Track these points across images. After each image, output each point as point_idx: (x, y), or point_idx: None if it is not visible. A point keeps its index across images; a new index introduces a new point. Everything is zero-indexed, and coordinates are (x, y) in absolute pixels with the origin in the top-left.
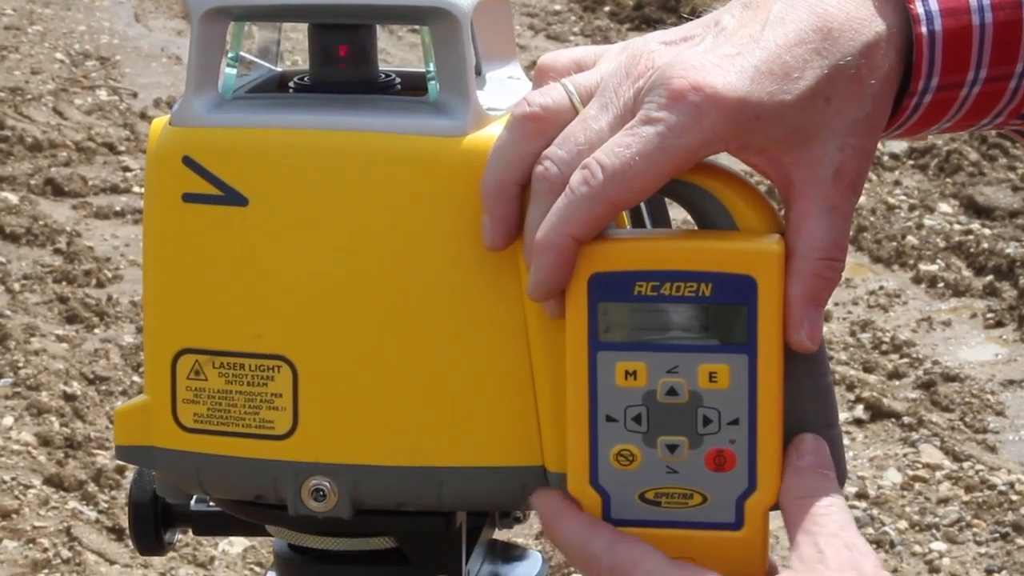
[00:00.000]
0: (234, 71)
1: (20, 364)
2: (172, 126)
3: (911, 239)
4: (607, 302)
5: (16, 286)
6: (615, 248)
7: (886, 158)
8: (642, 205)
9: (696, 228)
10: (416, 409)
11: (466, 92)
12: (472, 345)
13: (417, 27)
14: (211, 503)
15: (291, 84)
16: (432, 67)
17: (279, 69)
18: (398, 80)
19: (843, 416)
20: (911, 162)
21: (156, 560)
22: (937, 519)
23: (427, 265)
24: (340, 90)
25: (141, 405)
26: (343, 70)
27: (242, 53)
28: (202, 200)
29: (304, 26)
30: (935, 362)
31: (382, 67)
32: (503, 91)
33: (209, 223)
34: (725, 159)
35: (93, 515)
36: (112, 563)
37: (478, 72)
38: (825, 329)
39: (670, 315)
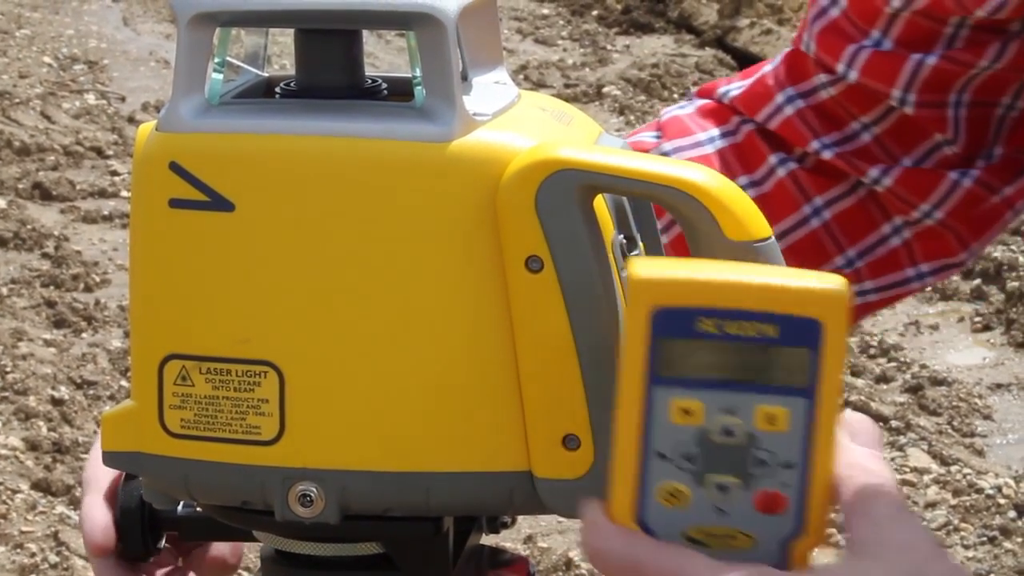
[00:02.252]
0: (220, 76)
1: (8, 369)
2: (159, 132)
3: None
4: (668, 338)
5: (4, 290)
6: (680, 283)
7: None
8: (628, 211)
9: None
10: (402, 414)
11: (452, 97)
12: (458, 350)
13: (403, 32)
14: (198, 508)
15: (277, 89)
16: (418, 72)
17: (266, 74)
18: (384, 85)
19: None
20: None
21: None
22: (925, 523)
23: (413, 270)
24: (326, 95)
25: (128, 411)
26: (329, 75)
27: (229, 58)
28: (189, 206)
29: (291, 30)
30: (923, 366)
31: (369, 72)
32: (489, 96)
33: (196, 229)
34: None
35: None
36: None
37: (464, 77)
38: None
39: (731, 354)
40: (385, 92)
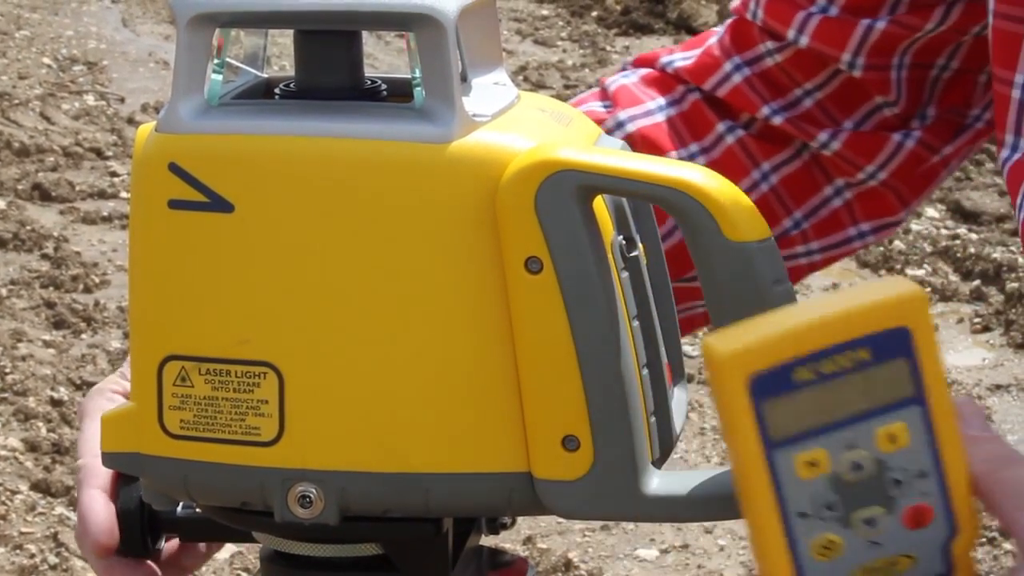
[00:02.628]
0: (220, 77)
1: (7, 369)
2: (158, 133)
3: (898, 244)
4: (771, 399)
5: (3, 291)
6: (765, 344)
7: None
8: (628, 212)
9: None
10: (401, 415)
11: (451, 98)
12: (457, 351)
13: (403, 33)
14: (198, 509)
15: (277, 91)
16: (418, 73)
17: (265, 75)
18: (384, 86)
19: None
20: None
21: None
22: None
23: (412, 271)
24: (326, 96)
25: (127, 411)
26: (329, 76)
27: (228, 59)
28: (188, 207)
29: (291, 31)
30: None
31: (370, 73)
32: (489, 97)
33: (195, 230)
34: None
35: None
36: None
37: (464, 78)
38: None
39: (835, 392)
40: (385, 93)
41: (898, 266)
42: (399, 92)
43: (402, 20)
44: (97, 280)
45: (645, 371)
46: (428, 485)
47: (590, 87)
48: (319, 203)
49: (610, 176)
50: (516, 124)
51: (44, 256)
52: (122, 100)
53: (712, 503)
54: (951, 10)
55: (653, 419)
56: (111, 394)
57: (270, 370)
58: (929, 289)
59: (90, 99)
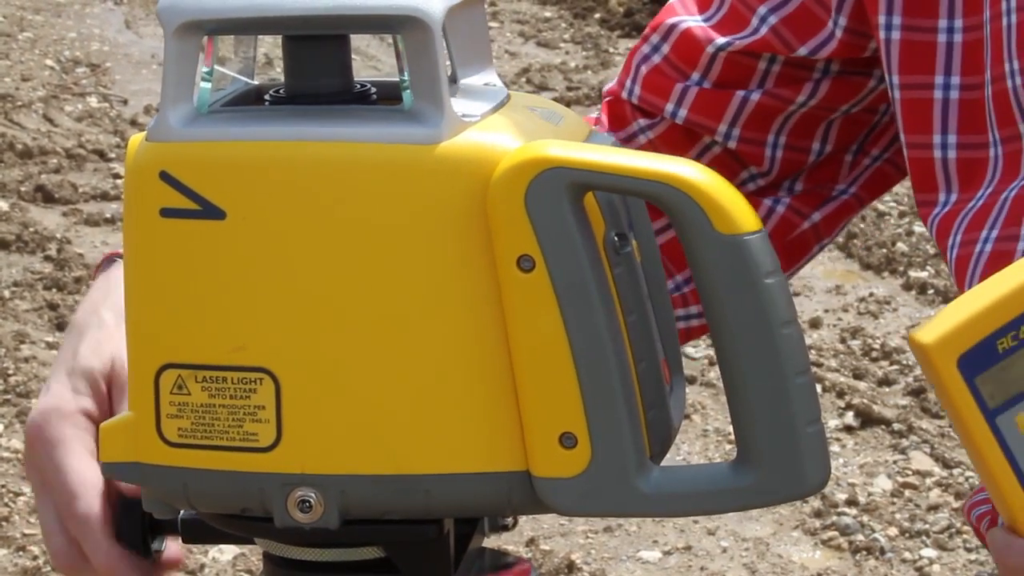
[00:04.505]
0: (209, 85)
1: (10, 371)
2: (148, 141)
3: (901, 246)
4: (981, 373)
5: (6, 293)
6: (965, 325)
7: None
8: (620, 208)
9: None
10: (399, 417)
11: (440, 99)
12: (452, 352)
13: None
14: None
15: (267, 96)
16: (406, 75)
17: (255, 82)
18: (373, 90)
19: (833, 423)
20: None
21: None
22: (927, 526)
23: (406, 272)
24: (315, 101)
25: (126, 421)
26: (318, 81)
27: (217, 67)
28: (180, 215)
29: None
30: None
31: (371, 75)
32: (478, 97)
33: (188, 237)
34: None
35: None
36: None
37: (453, 79)
38: (815, 336)
39: None
40: (374, 96)
41: (901, 267)
42: (389, 95)
43: (388, 22)
44: None
45: (642, 367)
46: (427, 486)
47: (592, 89)
48: (310, 207)
49: (599, 172)
50: (505, 124)
51: (47, 258)
52: (125, 102)
53: (709, 497)
54: (819, 84)
55: (651, 414)
56: (79, 417)
57: (266, 376)
58: (932, 291)
59: (93, 101)
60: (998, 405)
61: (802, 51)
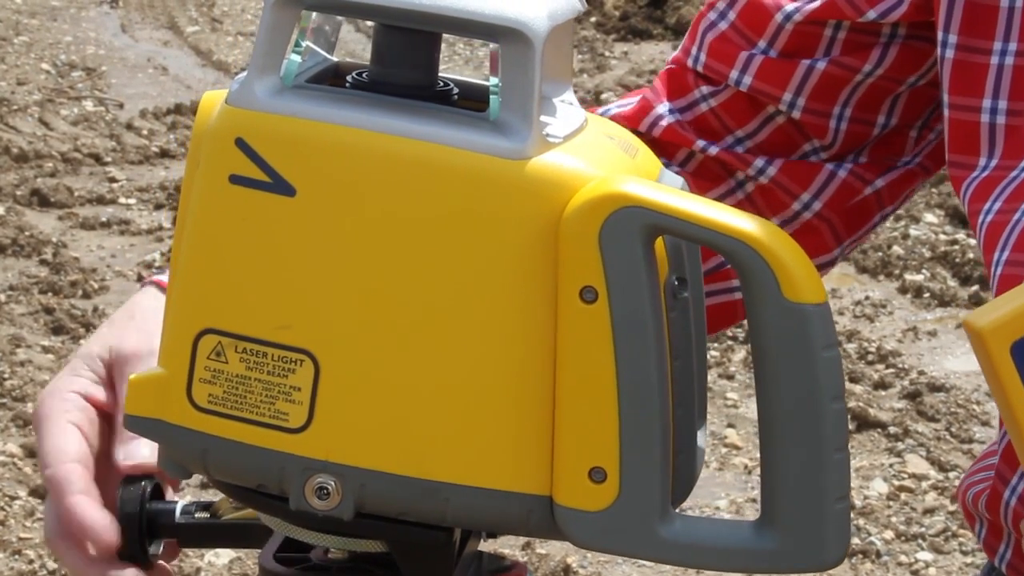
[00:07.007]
0: (298, 59)
1: (6, 375)
2: (228, 105)
3: (897, 249)
4: None
5: (2, 297)
6: (1022, 312)
7: None
8: (684, 252)
9: None
10: (432, 422)
11: (530, 115)
12: (497, 368)
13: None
14: (197, 515)
15: (349, 79)
16: (497, 83)
17: (335, 59)
18: (456, 90)
19: None
20: None
21: None
22: (923, 529)
23: (465, 281)
24: (399, 93)
25: (156, 377)
26: (404, 73)
27: (308, 43)
28: (249, 184)
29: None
30: (921, 372)
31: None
32: (560, 117)
33: (253, 208)
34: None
35: None
36: None
37: (544, 96)
38: None
39: None
40: (455, 96)
41: (897, 271)
42: (468, 96)
43: (491, 31)
44: (96, 286)
45: (679, 412)
46: (448, 495)
47: (588, 92)
48: (382, 200)
49: (678, 219)
50: (587, 150)
51: (43, 262)
52: (121, 106)
53: (726, 555)
54: (887, 51)
55: (678, 460)
56: (69, 394)
57: (308, 358)
58: (928, 294)
59: (89, 105)
60: None
61: (871, 14)
